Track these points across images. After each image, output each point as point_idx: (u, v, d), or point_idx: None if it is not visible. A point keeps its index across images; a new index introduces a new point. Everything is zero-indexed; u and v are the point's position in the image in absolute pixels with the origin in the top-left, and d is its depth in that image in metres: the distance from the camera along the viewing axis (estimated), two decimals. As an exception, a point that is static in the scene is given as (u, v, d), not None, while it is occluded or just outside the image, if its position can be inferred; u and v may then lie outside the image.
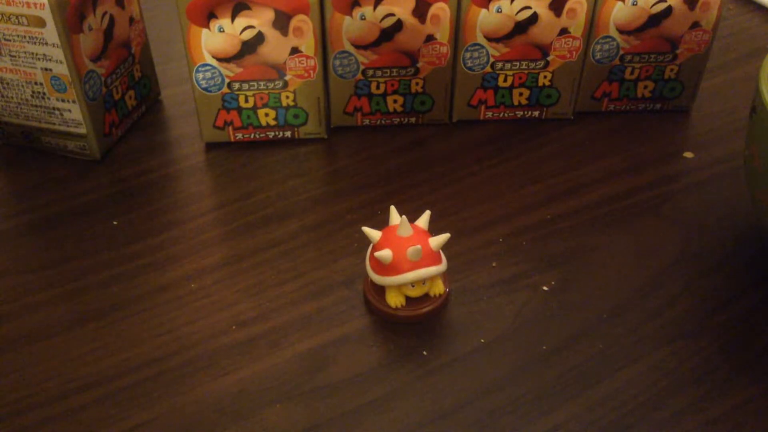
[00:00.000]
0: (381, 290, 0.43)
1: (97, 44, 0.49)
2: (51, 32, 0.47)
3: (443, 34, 0.52)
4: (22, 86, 0.50)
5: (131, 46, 0.52)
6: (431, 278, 0.42)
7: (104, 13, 0.48)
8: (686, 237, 0.48)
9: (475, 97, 0.55)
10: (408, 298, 0.43)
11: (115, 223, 0.49)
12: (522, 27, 0.52)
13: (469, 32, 0.52)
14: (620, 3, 0.52)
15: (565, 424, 0.38)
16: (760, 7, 0.69)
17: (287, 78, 0.52)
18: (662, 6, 0.52)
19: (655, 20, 0.53)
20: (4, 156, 0.55)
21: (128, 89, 0.54)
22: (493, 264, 0.46)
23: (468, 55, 0.53)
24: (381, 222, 0.44)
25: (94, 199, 0.51)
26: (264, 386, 0.40)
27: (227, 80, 0.52)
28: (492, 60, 0.53)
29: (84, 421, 0.39)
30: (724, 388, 0.40)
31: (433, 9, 0.50)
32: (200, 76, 0.51)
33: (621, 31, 0.53)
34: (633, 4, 0.52)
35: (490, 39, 0.52)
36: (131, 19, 0.51)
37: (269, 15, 0.49)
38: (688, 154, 0.54)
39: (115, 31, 0.50)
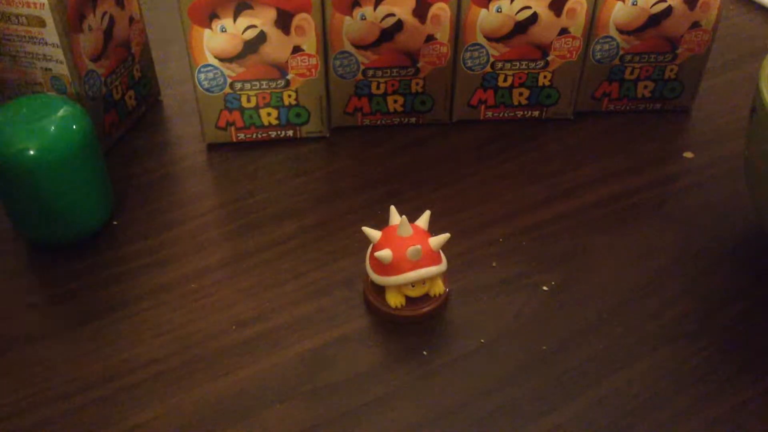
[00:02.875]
0: (381, 290, 0.43)
1: (97, 44, 0.49)
2: (51, 32, 0.47)
3: (443, 34, 0.52)
4: (22, 86, 0.50)
5: (131, 46, 0.52)
6: (431, 278, 0.42)
7: (104, 13, 0.48)
8: (686, 237, 0.48)
9: (475, 97, 0.55)
10: (408, 298, 0.43)
11: (115, 223, 0.49)
12: (522, 27, 0.52)
13: (469, 32, 0.52)
14: (620, 3, 0.52)
15: (565, 424, 0.38)
16: (760, 7, 0.69)
17: (289, 77, 0.52)
18: (662, 6, 0.52)
19: (655, 20, 0.53)
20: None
21: (128, 89, 0.54)
22: (493, 264, 0.46)
23: (468, 55, 0.53)
24: (381, 222, 0.44)
25: (94, 199, 0.51)
26: (264, 386, 0.40)
27: (229, 80, 0.52)
28: (492, 60, 0.53)
29: (84, 421, 0.39)
30: (724, 388, 0.40)
31: (434, 9, 0.50)
32: (202, 76, 0.51)
33: (621, 31, 0.53)
34: (633, 4, 0.52)
35: (490, 39, 0.52)
36: (131, 19, 0.51)
37: (271, 14, 0.49)
38: (688, 154, 0.54)
39: (114, 31, 0.50)
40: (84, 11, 0.48)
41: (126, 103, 0.55)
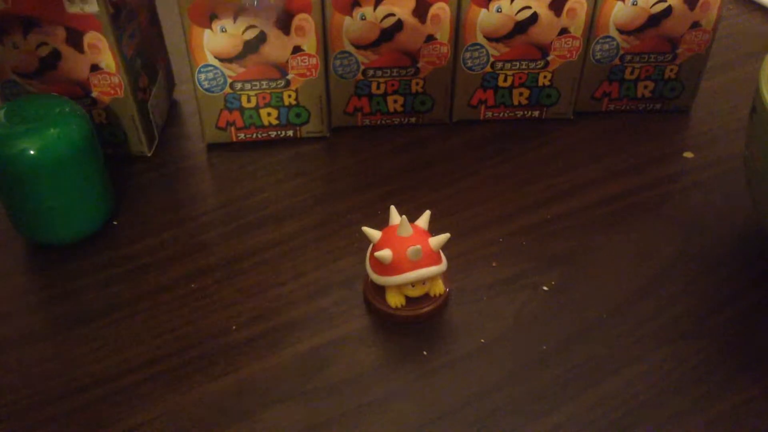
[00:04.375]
0: (381, 290, 0.43)
1: (26, 64, 0.49)
2: None
3: (443, 34, 0.52)
4: None
5: (90, 89, 0.50)
6: (431, 278, 0.42)
7: (42, 44, 0.48)
8: (686, 237, 0.48)
9: (475, 97, 0.55)
10: (408, 298, 0.43)
11: (115, 223, 0.49)
12: (522, 27, 0.52)
13: (469, 32, 0.52)
14: (620, 3, 0.52)
15: (565, 424, 0.38)
16: (760, 7, 0.69)
17: (289, 77, 0.52)
18: (662, 6, 0.52)
19: (655, 20, 0.53)
20: None
21: None
22: (493, 264, 0.46)
23: (468, 54, 0.53)
24: (381, 222, 0.44)
25: (94, 199, 0.51)
26: (264, 386, 0.40)
27: (229, 80, 0.52)
28: (492, 60, 0.53)
29: (84, 421, 0.39)
30: (724, 388, 0.40)
31: (434, 9, 0.50)
32: (202, 76, 0.51)
33: (621, 31, 0.53)
34: (633, 4, 0.52)
35: (490, 39, 0.52)
36: (94, 67, 0.49)
37: (271, 14, 0.49)
38: (688, 154, 0.54)
39: (60, 65, 0.49)
40: (6, 28, 0.47)
41: None
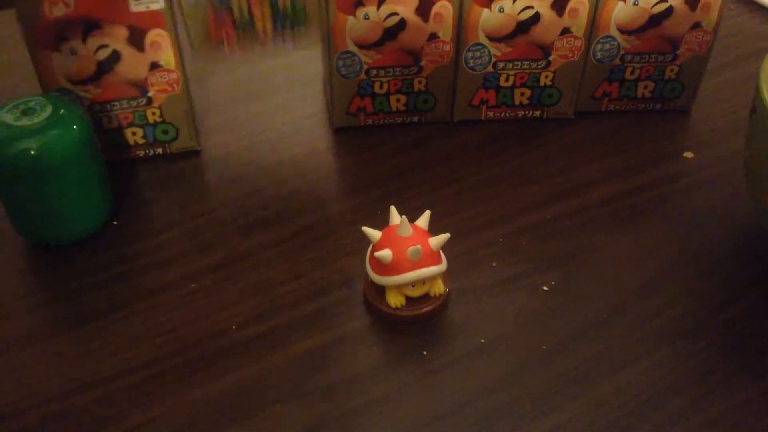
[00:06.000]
0: (381, 290, 0.43)
1: (82, 69, 0.49)
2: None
3: (446, 32, 0.52)
4: None
5: (147, 89, 0.50)
6: (431, 278, 0.42)
7: (101, 46, 0.48)
8: (686, 237, 0.48)
9: (476, 97, 0.55)
10: (408, 298, 0.43)
11: (115, 223, 0.49)
12: (524, 27, 0.52)
13: (471, 32, 0.52)
14: (621, 3, 0.52)
15: (565, 424, 0.38)
16: (760, 7, 0.69)
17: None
18: (663, 6, 0.52)
19: (656, 20, 0.53)
20: None
21: (133, 125, 0.52)
22: (493, 264, 0.46)
23: (470, 54, 0.53)
24: (381, 222, 0.44)
25: (94, 198, 0.51)
26: (264, 386, 0.40)
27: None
28: (494, 60, 0.53)
29: (84, 421, 0.39)
30: (724, 388, 0.40)
31: (436, 7, 0.50)
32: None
33: (622, 31, 0.53)
34: (634, 4, 0.52)
35: (491, 39, 0.52)
36: (153, 65, 0.49)
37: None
38: (688, 154, 0.54)
39: (118, 67, 0.49)
40: (65, 33, 0.47)
41: (126, 137, 0.53)
